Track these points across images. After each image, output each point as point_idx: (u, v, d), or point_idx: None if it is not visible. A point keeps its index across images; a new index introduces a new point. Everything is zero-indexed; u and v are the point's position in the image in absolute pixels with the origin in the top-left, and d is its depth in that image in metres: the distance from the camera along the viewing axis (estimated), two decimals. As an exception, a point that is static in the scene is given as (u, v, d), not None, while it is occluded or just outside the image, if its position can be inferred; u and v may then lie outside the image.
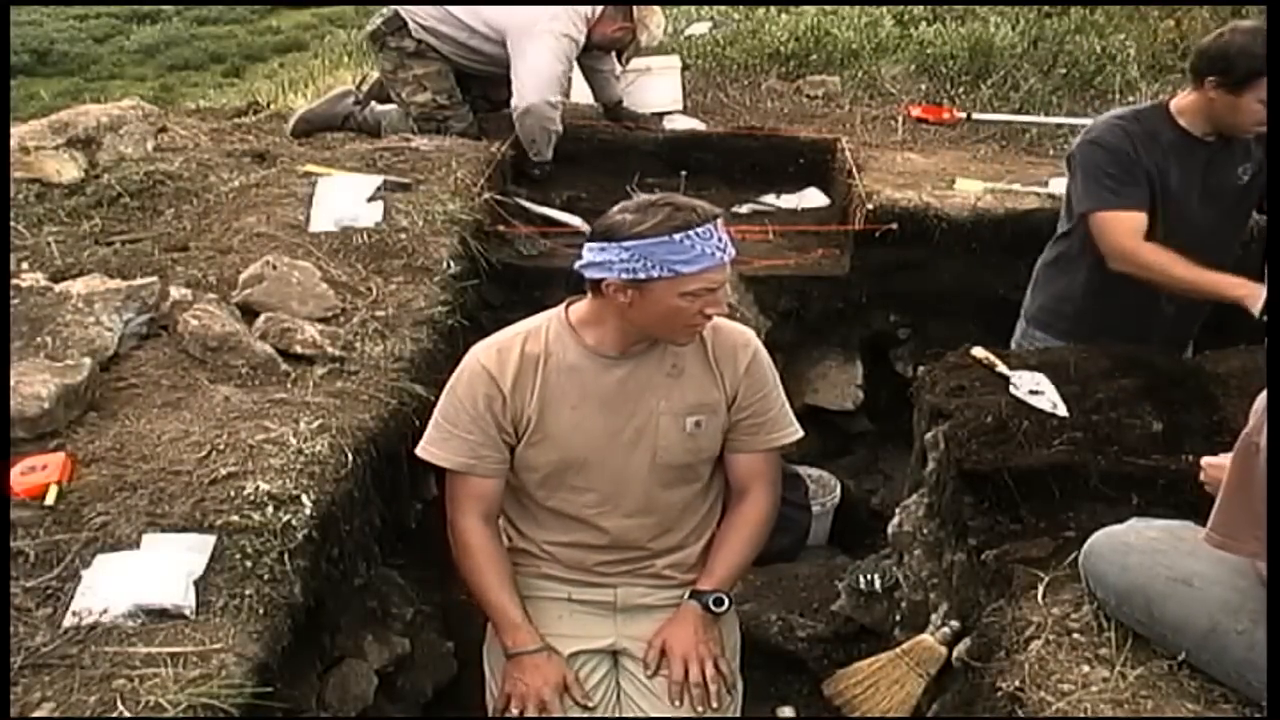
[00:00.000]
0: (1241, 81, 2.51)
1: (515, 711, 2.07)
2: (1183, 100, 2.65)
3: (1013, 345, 2.97)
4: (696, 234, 1.94)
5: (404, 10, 4.15)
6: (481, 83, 4.38)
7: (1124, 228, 2.63)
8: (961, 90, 5.14)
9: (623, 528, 2.16)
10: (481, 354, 2.12)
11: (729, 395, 2.15)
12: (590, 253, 2.00)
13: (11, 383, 2.13)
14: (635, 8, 4.22)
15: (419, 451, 2.16)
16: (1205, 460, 1.81)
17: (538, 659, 2.09)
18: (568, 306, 2.13)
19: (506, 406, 2.08)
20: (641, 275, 1.95)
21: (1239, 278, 2.51)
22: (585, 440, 2.10)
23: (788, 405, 2.26)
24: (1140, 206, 2.62)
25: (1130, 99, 4.87)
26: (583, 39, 4.12)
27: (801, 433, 2.27)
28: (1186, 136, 2.63)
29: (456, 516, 2.14)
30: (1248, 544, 1.56)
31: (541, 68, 4.01)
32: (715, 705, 2.09)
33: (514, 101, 4.03)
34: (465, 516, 2.13)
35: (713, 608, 2.15)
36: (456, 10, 4.13)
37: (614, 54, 4.49)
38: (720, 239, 1.97)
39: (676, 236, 1.94)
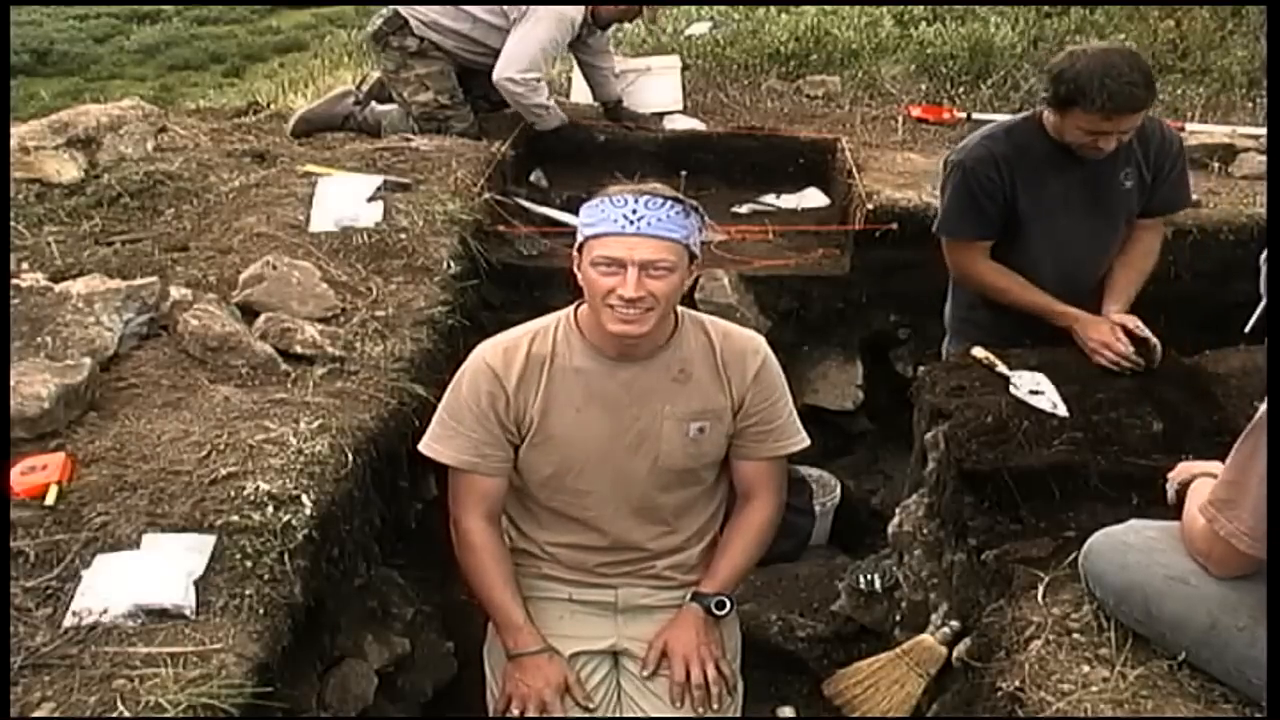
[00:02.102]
0: (1058, 105, 2.49)
1: (516, 712, 2.07)
2: (1048, 114, 2.60)
3: (943, 356, 2.98)
4: (610, 200, 1.96)
5: (405, 9, 4.16)
6: (483, 81, 4.39)
7: (965, 255, 2.75)
8: (961, 90, 5.15)
9: (623, 529, 2.16)
10: (487, 352, 2.12)
11: (736, 402, 2.14)
12: None
13: (11, 383, 2.13)
14: None
15: (421, 447, 2.16)
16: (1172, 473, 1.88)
17: (539, 660, 2.09)
18: (576, 308, 2.12)
19: (510, 406, 2.07)
20: (578, 242, 2.02)
21: (1069, 308, 2.60)
22: (587, 442, 2.09)
23: (795, 413, 2.24)
24: (985, 236, 2.70)
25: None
26: (580, 15, 4.17)
27: (808, 441, 2.26)
28: (1061, 148, 2.59)
29: (460, 515, 2.13)
30: (1237, 520, 1.58)
31: (517, 47, 4.10)
32: (716, 706, 2.09)
33: None
34: (468, 515, 2.12)
35: (715, 610, 2.15)
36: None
37: (613, 51, 4.54)
38: (634, 211, 1.93)
39: (594, 200, 1.99)
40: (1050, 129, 2.60)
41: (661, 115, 4.70)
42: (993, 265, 2.71)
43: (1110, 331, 2.49)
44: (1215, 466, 1.84)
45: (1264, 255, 1.70)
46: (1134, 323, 2.52)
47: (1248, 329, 2.49)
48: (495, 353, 2.10)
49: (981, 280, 2.74)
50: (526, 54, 4.10)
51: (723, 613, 2.15)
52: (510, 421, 2.09)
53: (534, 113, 4.26)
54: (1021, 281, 2.66)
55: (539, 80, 4.19)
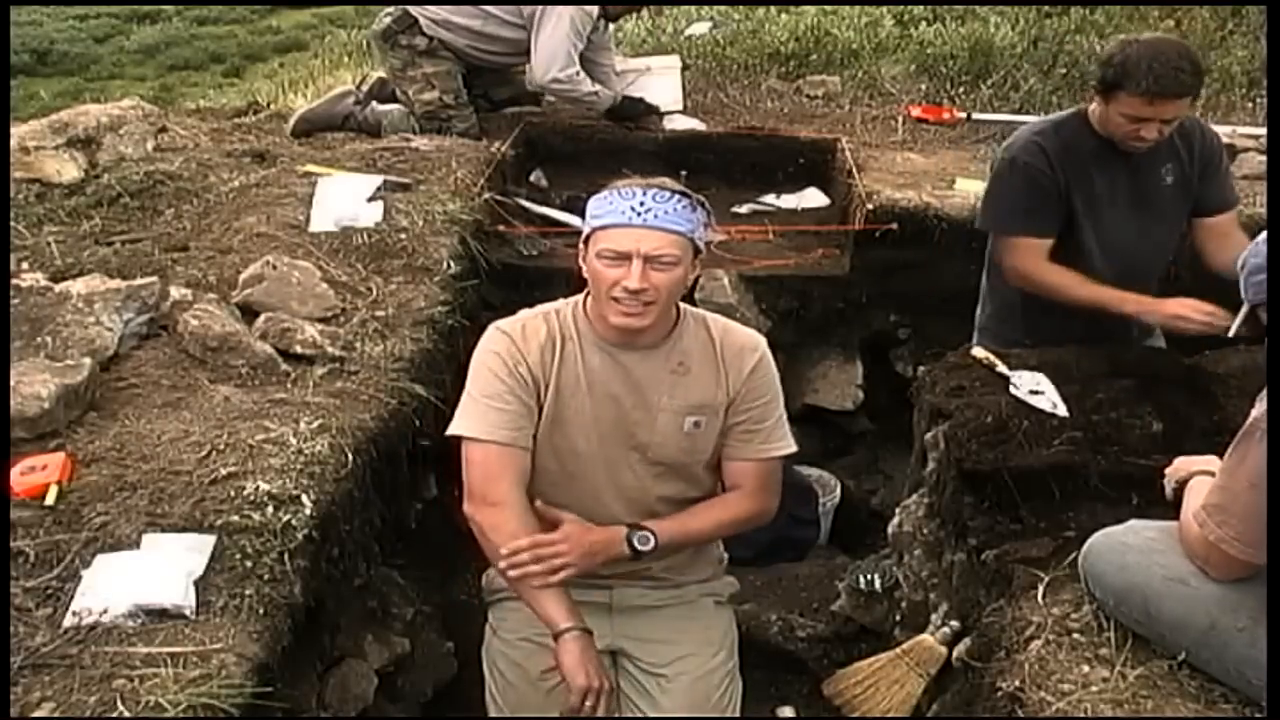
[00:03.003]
0: (1106, 89, 2.48)
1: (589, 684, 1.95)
2: (1095, 108, 2.61)
3: None
4: (619, 193, 1.97)
5: (415, 9, 4.18)
6: (485, 80, 4.41)
7: (1029, 252, 2.66)
8: (961, 90, 5.14)
9: (615, 518, 2.14)
10: (502, 324, 2.10)
11: (729, 396, 2.14)
12: None
13: (11, 383, 2.13)
14: None
15: (456, 431, 2.05)
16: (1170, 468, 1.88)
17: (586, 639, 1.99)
18: (586, 295, 2.12)
19: (529, 370, 2.05)
20: (584, 234, 2.01)
21: (1133, 294, 2.58)
22: (584, 428, 2.09)
23: (785, 418, 2.22)
24: (1049, 232, 2.65)
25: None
26: (596, 8, 4.23)
27: (795, 448, 2.24)
28: (1106, 143, 2.60)
29: (497, 495, 2.00)
30: (1226, 526, 1.58)
31: (549, 47, 4.16)
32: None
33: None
34: (512, 490, 2.00)
35: (636, 544, 2.04)
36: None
37: (614, 49, 4.56)
38: (642, 204, 1.94)
39: (602, 193, 1.99)
40: (1095, 121, 2.60)
41: (661, 115, 4.69)
42: (1053, 265, 2.65)
43: (1182, 305, 2.49)
44: (1212, 462, 1.84)
45: (1241, 259, 1.69)
46: None
47: (1230, 334, 2.50)
48: (516, 329, 2.09)
49: (1043, 280, 2.66)
50: (561, 51, 4.16)
51: (643, 548, 2.04)
52: (532, 385, 2.05)
53: (586, 102, 4.36)
54: (1080, 278, 2.62)
55: (578, 72, 4.26)
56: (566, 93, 4.30)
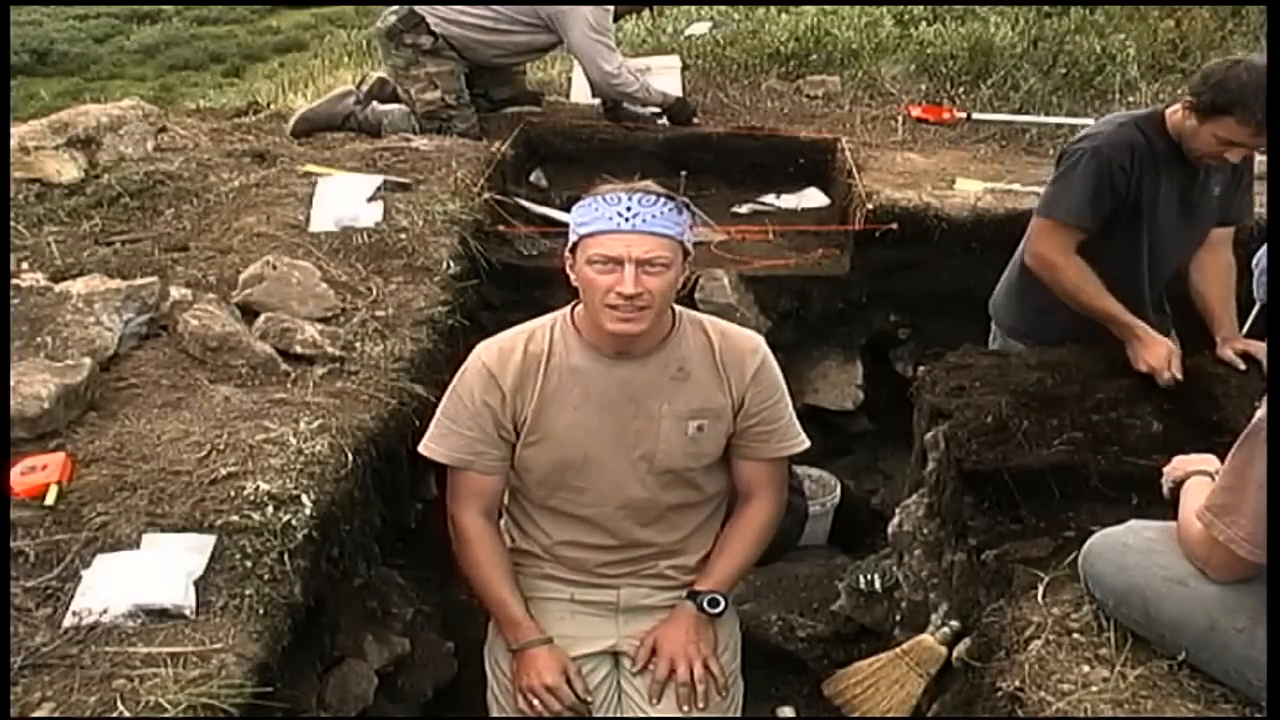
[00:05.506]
0: (1206, 110, 2.45)
1: (526, 707, 2.07)
2: (1174, 113, 2.60)
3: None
4: (603, 199, 1.97)
5: (421, 8, 4.18)
6: (485, 80, 4.41)
7: (1060, 240, 2.62)
8: (961, 90, 5.14)
9: (623, 528, 2.16)
10: (484, 352, 2.12)
11: (735, 401, 2.13)
12: None
13: (11, 383, 2.13)
14: None
15: (420, 449, 2.17)
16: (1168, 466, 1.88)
17: (540, 651, 2.10)
18: (573, 307, 2.12)
19: (506, 405, 2.08)
20: (571, 242, 2.02)
21: (1141, 323, 2.52)
22: (585, 440, 2.09)
23: (794, 415, 2.24)
24: (1088, 227, 2.60)
25: (1130, 99, 4.86)
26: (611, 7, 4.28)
27: (809, 443, 2.26)
28: (1175, 149, 2.59)
29: (456, 511, 2.15)
30: (1235, 525, 1.58)
31: (582, 48, 4.22)
32: (701, 705, 2.09)
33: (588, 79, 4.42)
34: (465, 512, 2.13)
35: (707, 608, 2.14)
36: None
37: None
38: (629, 208, 1.94)
39: (585, 199, 1.99)
40: (1173, 128, 2.58)
41: (661, 114, 4.70)
42: (1080, 261, 2.60)
43: (1166, 356, 2.44)
44: (1210, 462, 1.84)
45: (1256, 259, 1.70)
46: (1258, 348, 2.47)
47: (1243, 332, 2.50)
48: (491, 353, 2.11)
49: (1064, 271, 2.61)
50: (597, 48, 4.20)
51: (716, 611, 2.15)
52: (507, 420, 2.09)
53: (633, 95, 4.40)
54: (1099, 284, 2.57)
55: (621, 65, 4.31)
56: (621, 87, 4.32)
